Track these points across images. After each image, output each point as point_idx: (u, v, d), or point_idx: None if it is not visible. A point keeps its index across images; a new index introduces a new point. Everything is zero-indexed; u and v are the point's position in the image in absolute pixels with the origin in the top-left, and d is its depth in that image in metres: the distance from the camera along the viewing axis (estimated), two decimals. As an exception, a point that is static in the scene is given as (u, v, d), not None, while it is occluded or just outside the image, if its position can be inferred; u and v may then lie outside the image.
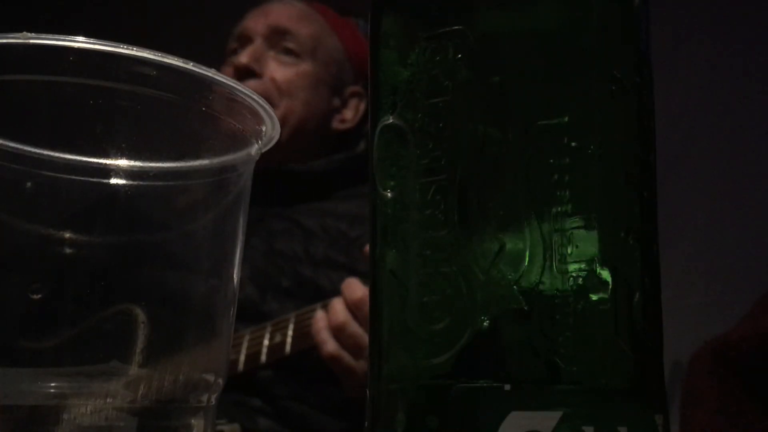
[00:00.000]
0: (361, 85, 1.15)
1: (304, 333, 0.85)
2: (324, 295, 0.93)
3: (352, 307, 0.80)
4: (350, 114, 1.15)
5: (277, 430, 0.91)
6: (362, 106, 1.15)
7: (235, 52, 1.12)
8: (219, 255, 0.32)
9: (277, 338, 0.88)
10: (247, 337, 0.91)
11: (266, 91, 1.06)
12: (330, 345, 0.80)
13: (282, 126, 1.13)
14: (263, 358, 0.88)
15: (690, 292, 1.13)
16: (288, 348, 0.87)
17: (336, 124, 1.13)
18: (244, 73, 1.07)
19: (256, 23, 1.12)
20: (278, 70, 1.09)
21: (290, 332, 0.88)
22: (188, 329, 0.30)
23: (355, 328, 0.79)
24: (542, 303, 0.22)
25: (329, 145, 1.13)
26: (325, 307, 0.84)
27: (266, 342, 0.89)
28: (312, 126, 1.10)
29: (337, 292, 0.84)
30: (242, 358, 0.89)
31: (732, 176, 1.18)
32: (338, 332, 0.80)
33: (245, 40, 1.11)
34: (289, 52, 1.10)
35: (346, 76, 1.15)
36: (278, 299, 0.97)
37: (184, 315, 0.30)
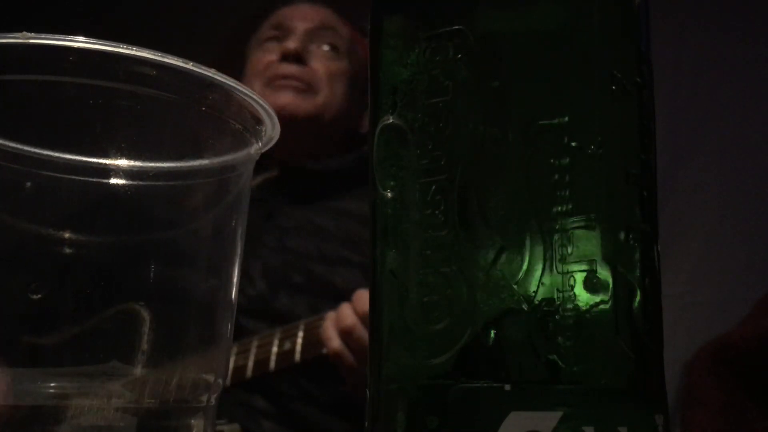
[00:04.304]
0: None
1: (315, 341, 0.85)
2: (337, 291, 0.93)
3: (362, 317, 0.81)
4: None
5: None
6: None
7: (275, 39, 1.12)
8: (219, 255, 0.32)
9: (287, 345, 0.88)
10: (255, 343, 0.90)
11: (310, 79, 1.07)
12: (335, 342, 0.81)
13: (320, 117, 1.12)
14: (272, 365, 0.88)
15: (700, 290, 1.12)
16: (298, 356, 0.87)
17: (364, 128, 1.14)
18: (291, 58, 1.07)
19: (302, 16, 1.13)
20: (321, 61, 1.09)
21: (300, 339, 0.87)
22: (188, 329, 0.30)
23: (363, 333, 0.80)
24: (542, 303, 0.22)
25: (345, 144, 1.13)
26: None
27: (275, 349, 0.88)
28: (345, 123, 1.11)
29: (350, 289, 0.85)
30: (251, 364, 0.89)
31: (742, 173, 1.18)
32: (346, 335, 0.81)
33: (287, 30, 1.12)
34: (331, 47, 1.11)
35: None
36: (290, 296, 0.97)
37: (184, 315, 0.30)
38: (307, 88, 1.07)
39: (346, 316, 0.81)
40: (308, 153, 1.08)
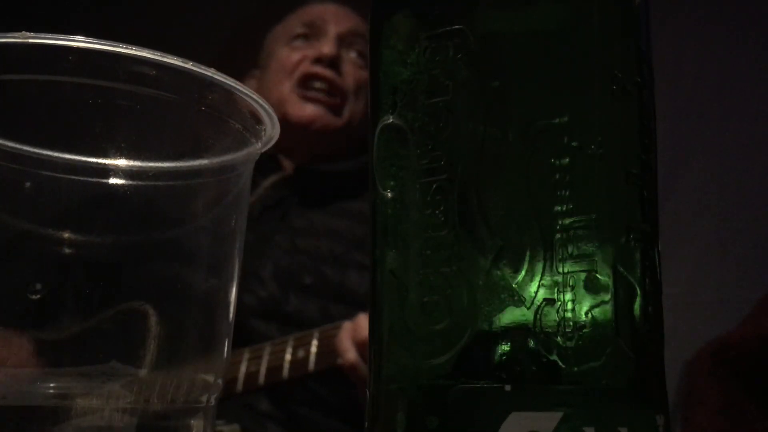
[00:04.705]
0: None
1: (329, 351, 0.84)
2: (348, 294, 0.92)
3: None
4: None
5: None
6: None
7: (303, 37, 1.12)
8: (219, 255, 0.31)
9: (300, 353, 0.87)
10: (268, 350, 0.89)
11: (341, 87, 1.07)
12: (352, 354, 0.81)
13: (347, 125, 1.11)
14: (285, 373, 0.87)
15: (700, 290, 1.13)
16: (312, 365, 0.86)
17: None
18: (328, 63, 1.07)
19: (335, 18, 1.12)
20: (350, 69, 1.09)
21: (314, 348, 0.86)
22: (188, 329, 0.30)
23: None
24: (543, 303, 0.22)
25: (360, 146, 1.13)
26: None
27: (288, 357, 0.87)
28: (362, 128, 1.10)
29: (361, 292, 0.84)
30: (263, 370, 0.88)
31: (742, 173, 1.18)
32: (363, 347, 0.80)
33: (318, 30, 1.11)
34: (358, 54, 1.10)
35: None
36: (300, 297, 0.96)
37: (184, 315, 0.30)
38: (337, 101, 1.07)
39: (363, 328, 0.80)
40: (323, 155, 1.08)
